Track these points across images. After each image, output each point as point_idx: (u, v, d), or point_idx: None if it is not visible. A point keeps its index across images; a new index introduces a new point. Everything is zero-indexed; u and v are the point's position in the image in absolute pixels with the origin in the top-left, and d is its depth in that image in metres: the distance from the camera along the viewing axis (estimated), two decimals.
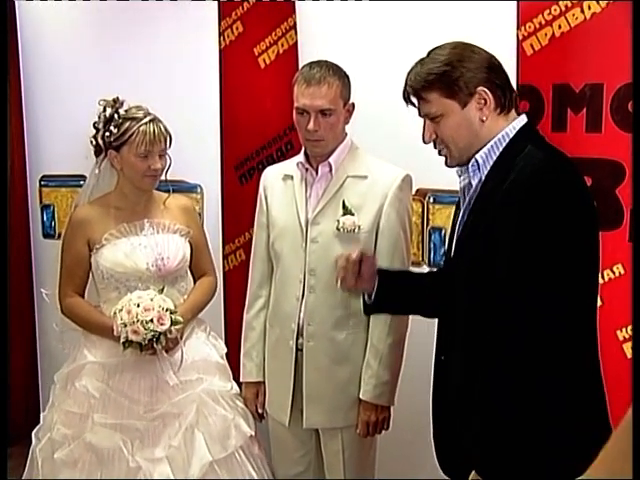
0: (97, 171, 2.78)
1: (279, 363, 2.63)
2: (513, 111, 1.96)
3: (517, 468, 1.78)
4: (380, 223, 2.49)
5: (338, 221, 2.47)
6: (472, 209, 1.92)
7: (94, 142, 2.75)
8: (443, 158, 2.01)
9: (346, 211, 2.48)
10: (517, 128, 1.92)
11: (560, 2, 2.68)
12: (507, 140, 1.90)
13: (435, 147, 1.98)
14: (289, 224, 2.56)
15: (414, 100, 1.97)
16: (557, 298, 1.75)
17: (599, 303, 2.68)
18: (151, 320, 2.50)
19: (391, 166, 2.57)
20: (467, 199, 1.96)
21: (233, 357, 2.90)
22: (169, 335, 2.55)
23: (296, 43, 3.28)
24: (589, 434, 1.66)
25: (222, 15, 3.39)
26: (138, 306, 2.51)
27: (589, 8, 2.64)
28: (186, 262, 2.82)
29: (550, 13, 2.71)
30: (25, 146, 3.78)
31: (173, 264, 2.74)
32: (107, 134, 2.68)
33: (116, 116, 2.68)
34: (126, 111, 2.69)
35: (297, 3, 3.22)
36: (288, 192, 2.59)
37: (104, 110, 2.70)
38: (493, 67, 1.91)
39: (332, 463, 2.65)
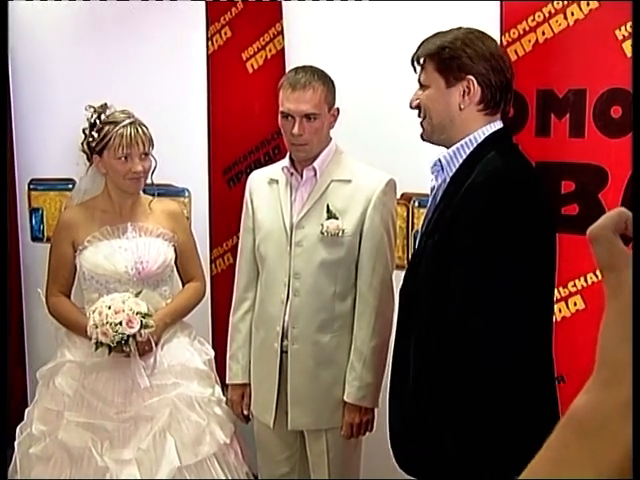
0: (86, 175, 2.84)
1: (264, 365, 2.64)
2: (497, 115, 1.98)
3: (462, 474, 1.80)
4: (364, 227, 2.50)
5: (322, 225, 2.49)
6: (436, 208, 1.97)
7: (82, 147, 2.79)
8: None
9: (330, 215, 2.49)
10: (486, 134, 1.95)
11: (544, 9, 2.71)
12: (474, 145, 1.94)
13: (419, 116, 2.02)
14: (274, 228, 2.58)
15: (417, 66, 2.01)
16: (513, 304, 1.78)
17: (582, 306, 2.73)
18: (120, 323, 2.52)
19: (375, 170, 2.58)
20: (433, 197, 2.02)
21: (220, 360, 2.91)
22: (139, 338, 2.57)
23: (284, 48, 3.30)
24: (541, 441, 1.65)
25: (210, 20, 3.41)
26: (109, 308, 2.54)
27: (572, 14, 2.66)
28: (168, 266, 2.83)
29: (534, 19, 2.74)
30: (14, 150, 3.79)
31: (153, 268, 2.76)
32: (90, 139, 2.73)
33: (98, 121, 2.72)
34: (107, 116, 2.72)
35: (284, 9, 3.24)
36: (273, 196, 2.61)
37: (91, 116, 2.74)
38: (494, 65, 1.93)
39: (317, 464, 2.66)
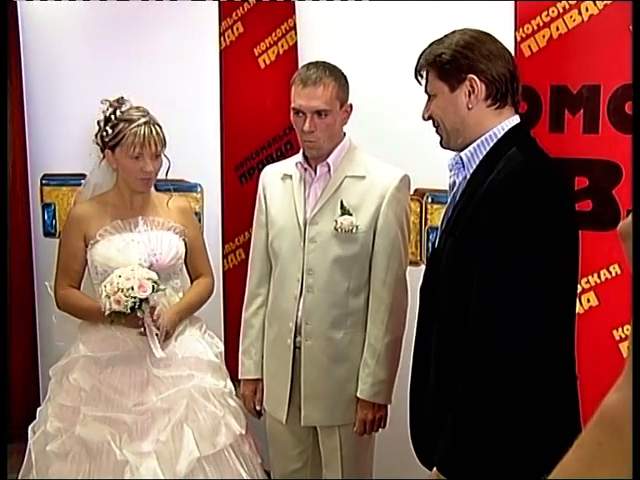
0: (97, 168, 2.84)
1: (277, 361, 2.64)
2: (508, 109, 1.98)
3: (480, 468, 1.80)
4: (378, 223, 2.50)
5: (336, 221, 2.48)
6: (456, 205, 1.97)
7: (95, 140, 2.79)
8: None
9: (344, 211, 2.48)
10: (506, 129, 1.95)
11: (558, 4, 2.70)
12: (494, 140, 1.94)
13: (434, 125, 2.04)
14: (287, 223, 2.57)
15: (421, 79, 2.04)
16: (530, 297, 1.78)
17: (595, 302, 2.72)
18: (132, 287, 2.53)
19: (389, 166, 2.57)
20: (452, 195, 2.02)
21: (232, 355, 2.92)
22: (152, 302, 2.58)
23: (296, 44, 3.30)
24: (560, 436, 1.65)
25: (223, 15, 3.41)
26: (120, 277, 2.55)
27: (587, 10, 2.65)
28: (179, 259, 2.84)
29: (548, 15, 2.73)
30: (26, 145, 3.80)
31: (166, 260, 2.77)
32: (104, 134, 2.73)
33: (113, 117, 2.72)
34: (123, 112, 2.72)
35: (297, 4, 3.23)
36: (287, 192, 2.60)
37: (107, 109, 2.74)
38: (493, 60, 1.93)
39: (329, 460, 2.66)
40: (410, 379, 2.11)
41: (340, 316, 2.54)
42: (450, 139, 2.01)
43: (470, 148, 1.95)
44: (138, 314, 2.57)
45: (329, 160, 2.53)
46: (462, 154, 1.96)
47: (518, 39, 2.75)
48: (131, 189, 2.79)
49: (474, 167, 1.94)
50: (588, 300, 2.75)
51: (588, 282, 2.72)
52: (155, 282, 2.58)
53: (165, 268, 2.76)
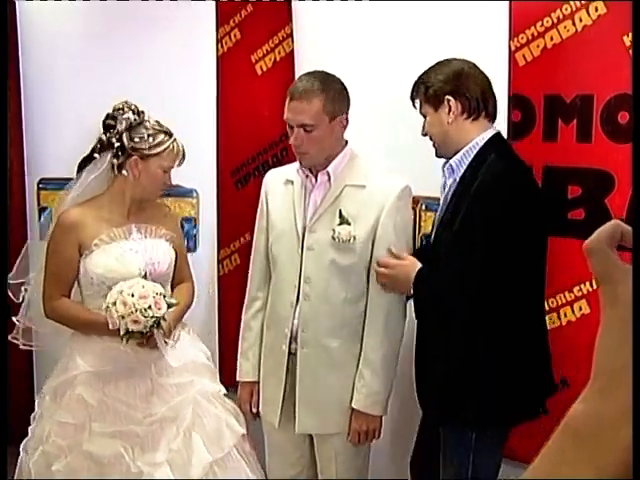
0: (96, 170, 2.71)
1: (272, 365, 2.64)
2: (483, 120, 2.39)
3: (468, 409, 2.33)
4: (377, 233, 2.47)
5: (334, 230, 2.46)
6: (448, 205, 2.38)
7: (110, 141, 2.67)
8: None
9: (342, 220, 2.46)
10: (486, 139, 2.38)
11: (552, 14, 2.72)
12: (477, 149, 2.37)
13: (431, 139, 2.46)
14: (286, 230, 2.56)
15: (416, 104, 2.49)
16: (509, 277, 2.28)
17: (587, 310, 2.74)
18: (149, 307, 2.48)
19: (391, 176, 2.56)
20: (445, 195, 2.43)
21: (228, 360, 2.92)
22: (166, 318, 2.54)
23: (293, 50, 3.31)
24: (534, 385, 2.42)
25: (220, 22, 3.43)
26: (132, 295, 2.48)
27: (580, 20, 2.68)
28: (172, 267, 2.82)
29: (542, 25, 2.75)
30: (24, 149, 3.81)
31: (163, 269, 2.74)
32: (137, 139, 2.65)
33: (147, 124, 2.67)
34: (152, 122, 2.68)
35: (294, 11, 3.25)
36: (288, 197, 2.58)
37: (123, 112, 2.66)
38: (464, 78, 2.37)
39: (325, 467, 2.66)
40: (414, 360, 2.49)
41: (336, 325, 2.53)
42: (440, 149, 2.45)
43: (458, 155, 2.38)
44: (154, 332, 2.53)
45: (329, 169, 2.51)
46: (452, 161, 2.38)
47: (512, 48, 2.78)
48: (139, 198, 2.74)
49: (462, 171, 2.36)
50: (580, 308, 2.77)
51: (580, 290, 2.74)
52: (164, 296, 2.54)
53: (161, 276, 2.73)
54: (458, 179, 2.36)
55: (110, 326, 2.49)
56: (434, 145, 2.45)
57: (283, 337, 2.57)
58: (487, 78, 2.39)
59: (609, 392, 0.61)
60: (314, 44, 3.20)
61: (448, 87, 2.36)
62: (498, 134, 2.41)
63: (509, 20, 2.73)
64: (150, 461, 2.58)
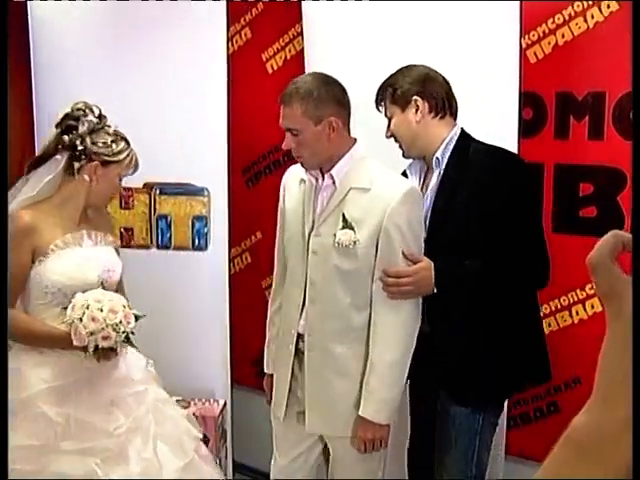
0: (52, 171, 2.57)
1: (280, 363, 2.64)
2: (449, 119, 2.53)
3: (474, 383, 2.50)
4: (380, 238, 2.40)
5: (335, 235, 2.40)
6: (438, 195, 2.50)
7: (72, 143, 2.54)
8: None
9: (345, 225, 2.40)
10: (459, 133, 2.52)
11: (564, 11, 2.72)
12: (454, 142, 2.50)
13: (395, 141, 2.58)
14: (295, 232, 2.53)
15: (381, 107, 2.60)
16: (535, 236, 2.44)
17: (599, 308, 2.73)
18: (120, 322, 2.38)
19: (397, 178, 2.51)
20: (430, 190, 2.52)
21: (239, 362, 2.92)
22: (134, 334, 2.45)
23: (303, 49, 3.31)
24: (529, 361, 2.58)
25: (231, 21, 3.43)
26: (102, 310, 2.37)
27: (592, 17, 2.67)
28: (121, 275, 2.73)
29: (554, 22, 2.75)
30: (35, 145, 3.82)
31: (117, 277, 2.67)
32: (100, 144, 2.56)
33: (109, 129, 2.59)
34: (111, 127, 2.60)
35: (304, 10, 3.25)
36: (300, 197, 2.55)
37: (85, 114, 2.56)
38: (429, 81, 2.51)
39: (335, 468, 2.64)
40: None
41: (342, 330, 2.48)
42: (410, 150, 2.56)
43: (440, 150, 2.49)
44: (121, 346, 2.45)
45: (333, 172, 2.45)
46: (437, 154, 2.49)
47: (524, 46, 2.77)
48: (92, 204, 2.65)
49: (445, 162, 2.48)
50: (592, 306, 2.77)
51: (592, 288, 2.73)
52: (130, 307, 2.46)
53: (114, 285, 2.64)
54: (442, 171, 2.49)
55: (76, 342, 2.37)
56: (401, 146, 2.56)
57: (290, 337, 2.56)
58: (448, 82, 2.53)
59: (612, 404, 0.61)
60: (324, 42, 3.19)
61: (415, 88, 2.49)
62: (463, 130, 2.54)
63: (520, 17, 2.71)
64: (124, 474, 2.47)
